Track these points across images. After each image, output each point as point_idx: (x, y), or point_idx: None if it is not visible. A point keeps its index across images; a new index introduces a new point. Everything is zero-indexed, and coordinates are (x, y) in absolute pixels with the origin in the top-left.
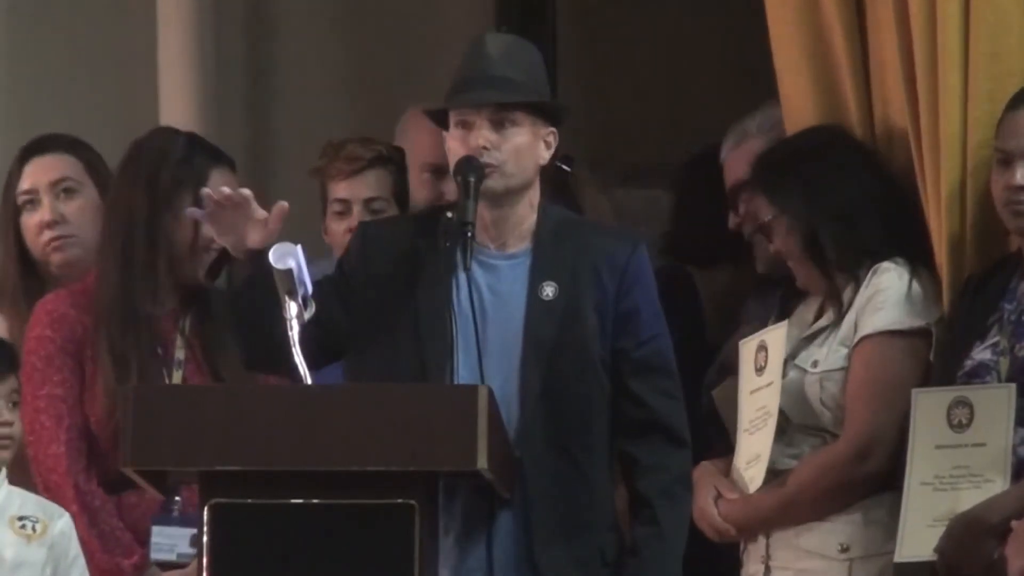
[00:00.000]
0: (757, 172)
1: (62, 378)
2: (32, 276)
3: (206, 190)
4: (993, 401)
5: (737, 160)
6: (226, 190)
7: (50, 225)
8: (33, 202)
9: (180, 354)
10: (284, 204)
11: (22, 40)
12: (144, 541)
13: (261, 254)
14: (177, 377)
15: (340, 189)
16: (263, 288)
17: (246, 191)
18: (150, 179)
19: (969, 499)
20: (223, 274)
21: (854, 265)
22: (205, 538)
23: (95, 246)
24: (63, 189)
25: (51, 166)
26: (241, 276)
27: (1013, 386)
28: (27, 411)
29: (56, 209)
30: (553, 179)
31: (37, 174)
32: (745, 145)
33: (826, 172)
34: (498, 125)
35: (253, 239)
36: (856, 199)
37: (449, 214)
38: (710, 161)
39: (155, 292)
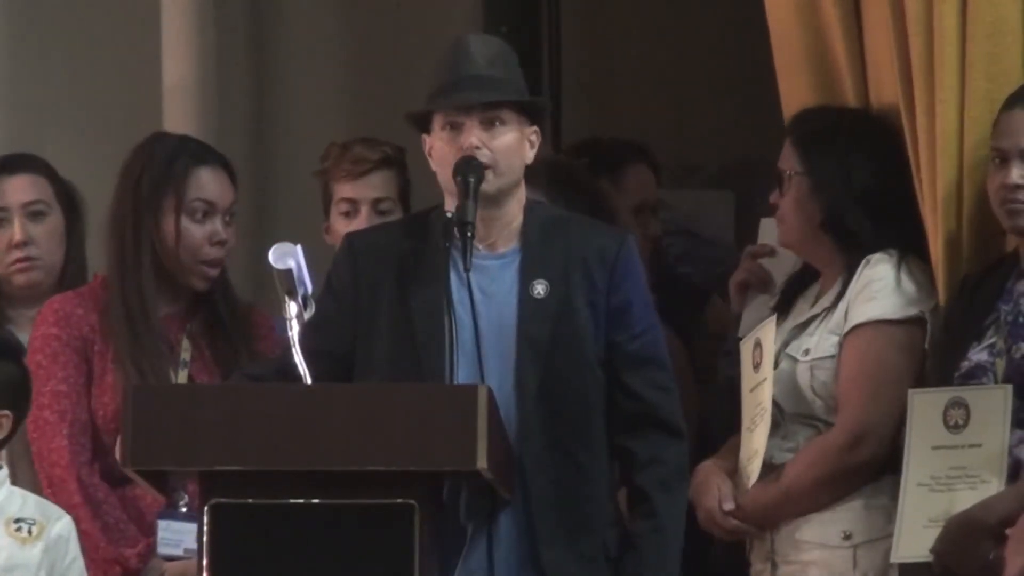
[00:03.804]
0: (796, 125)
1: (66, 374)
2: None
3: None
4: (989, 402)
5: None
6: None
7: (19, 245)
8: (2, 220)
9: (186, 355)
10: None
11: (23, 37)
12: (149, 533)
13: None
14: (182, 377)
15: (347, 190)
16: None
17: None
18: (136, 183)
19: (965, 500)
20: None
21: (866, 252)
22: (205, 538)
23: (57, 271)
24: (34, 212)
25: (25, 187)
26: None
27: (1009, 387)
28: (32, 408)
29: (27, 230)
30: None
31: (10, 193)
32: None
33: (862, 149)
34: (488, 125)
35: None
36: (876, 184)
37: (449, 214)
38: None
39: (144, 292)
